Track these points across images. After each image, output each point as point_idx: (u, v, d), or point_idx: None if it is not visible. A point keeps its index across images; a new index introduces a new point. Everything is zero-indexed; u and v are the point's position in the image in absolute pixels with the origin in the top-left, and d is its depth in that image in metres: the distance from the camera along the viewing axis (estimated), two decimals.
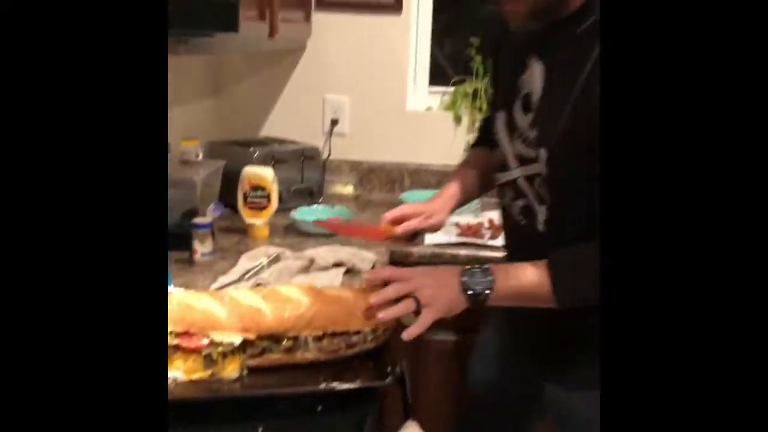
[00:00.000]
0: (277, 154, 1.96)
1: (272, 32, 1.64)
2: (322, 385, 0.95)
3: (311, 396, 0.95)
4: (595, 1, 1.00)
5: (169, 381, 0.96)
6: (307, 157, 2.04)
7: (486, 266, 1.01)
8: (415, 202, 1.33)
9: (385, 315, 0.98)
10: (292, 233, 1.79)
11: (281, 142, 2.08)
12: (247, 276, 1.40)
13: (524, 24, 1.04)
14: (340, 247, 1.55)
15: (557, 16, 1.02)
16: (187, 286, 1.41)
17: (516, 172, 1.11)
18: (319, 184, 2.08)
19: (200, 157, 1.68)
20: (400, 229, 1.24)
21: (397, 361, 1.00)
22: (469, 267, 1.01)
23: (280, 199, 1.84)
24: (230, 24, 1.09)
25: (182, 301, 1.00)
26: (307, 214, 1.83)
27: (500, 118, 1.14)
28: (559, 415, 1.22)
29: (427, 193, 1.57)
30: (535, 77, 1.06)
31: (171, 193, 1.57)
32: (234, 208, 1.74)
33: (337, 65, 2.22)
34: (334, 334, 1.00)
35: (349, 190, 2.23)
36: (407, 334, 0.98)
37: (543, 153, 1.04)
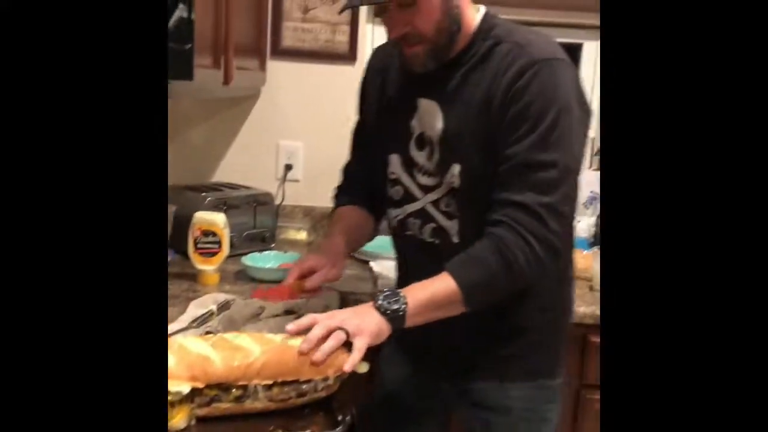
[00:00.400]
0: (229, 200, 1.96)
1: (227, 80, 1.66)
2: None
3: None
4: (474, 45, 1.16)
5: None
6: (260, 202, 2.04)
7: (393, 289, 1.09)
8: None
9: (320, 354, 0.98)
10: (243, 279, 1.77)
11: (234, 187, 2.08)
12: (195, 323, 1.38)
13: (425, 65, 1.15)
14: None
15: (446, 58, 1.16)
16: None
17: (423, 201, 1.23)
18: (271, 229, 2.08)
19: None
20: (309, 284, 1.30)
21: (348, 409, 1.00)
22: (379, 292, 1.08)
23: (232, 245, 1.82)
24: (184, 72, 1.10)
25: None
26: (258, 260, 1.82)
27: (395, 160, 1.26)
28: (491, 409, 1.28)
29: (381, 240, 1.58)
30: (430, 116, 1.18)
31: None
32: (185, 253, 1.72)
33: (292, 112, 2.25)
34: (284, 383, 0.99)
35: (302, 235, 2.23)
36: (349, 365, 1.00)
37: (456, 168, 1.16)
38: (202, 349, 0.99)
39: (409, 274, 1.32)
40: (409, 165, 1.24)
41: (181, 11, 0.97)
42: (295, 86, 2.23)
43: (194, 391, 0.97)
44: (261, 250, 1.93)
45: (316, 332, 0.99)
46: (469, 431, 1.37)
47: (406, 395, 1.41)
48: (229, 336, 1.04)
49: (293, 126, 2.26)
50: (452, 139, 1.16)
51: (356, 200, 1.39)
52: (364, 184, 1.37)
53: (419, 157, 1.22)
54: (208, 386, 0.98)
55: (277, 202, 2.17)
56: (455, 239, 1.21)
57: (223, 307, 1.46)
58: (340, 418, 0.98)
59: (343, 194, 1.44)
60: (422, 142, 1.21)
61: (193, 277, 1.72)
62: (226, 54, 1.67)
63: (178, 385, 0.96)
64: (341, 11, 1.19)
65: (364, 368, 1.05)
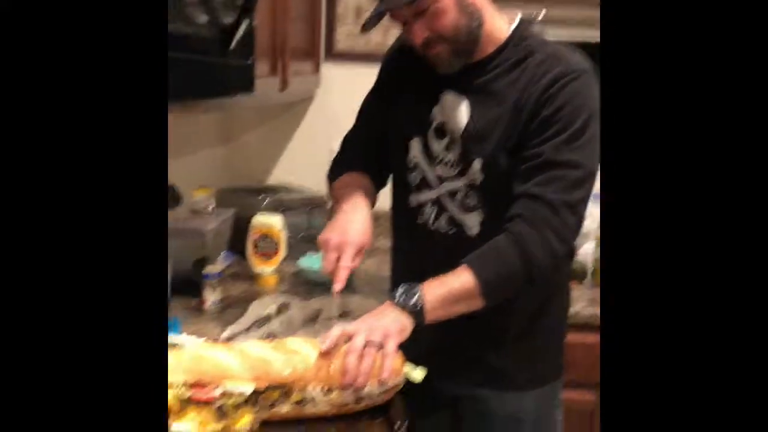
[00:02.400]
0: (285, 202, 2.00)
1: (283, 86, 1.69)
2: None
3: None
4: (506, 51, 1.20)
5: None
6: (315, 204, 2.08)
7: (410, 284, 1.10)
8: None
9: (362, 380, 1.00)
10: (300, 281, 1.81)
11: (289, 189, 2.12)
12: (256, 325, 1.42)
13: (451, 65, 1.19)
14: (347, 297, 1.57)
15: (473, 58, 1.20)
16: (197, 334, 1.43)
17: (439, 190, 1.24)
18: None
19: (212, 206, 1.71)
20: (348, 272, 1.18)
21: (405, 416, 1.01)
22: (397, 288, 1.10)
23: (288, 246, 1.87)
24: (246, 86, 1.13)
25: (194, 352, 1.03)
26: (314, 261, 1.85)
27: (415, 145, 1.26)
28: (502, 421, 1.30)
29: None
30: (454, 109, 1.21)
31: (182, 242, 1.60)
32: (244, 253, 1.76)
33: (345, 114, 2.25)
34: (343, 387, 1.01)
35: None
36: (386, 373, 1.01)
37: (478, 163, 1.19)
38: (263, 351, 1.03)
39: (417, 263, 1.29)
40: (428, 153, 1.25)
41: (246, 25, 0.99)
42: (348, 88, 2.24)
43: (256, 395, 1.00)
44: (316, 251, 1.96)
45: (351, 362, 1.00)
46: None
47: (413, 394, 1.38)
48: (288, 340, 1.07)
49: (346, 128, 2.28)
50: (476, 136, 1.19)
51: (362, 169, 1.35)
52: (367, 155, 1.36)
53: (437, 146, 1.24)
54: (270, 390, 1.01)
55: (330, 204, 2.20)
56: (473, 231, 1.22)
57: (282, 309, 1.50)
58: (397, 425, 1.00)
59: (347, 162, 1.38)
60: (442, 132, 1.23)
61: (251, 278, 1.77)
62: (283, 60, 1.71)
63: (241, 385, 1.00)
64: (362, 31, 1.20)
65: (419, 375, 1.07)
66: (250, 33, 1.09)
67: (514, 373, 1.29)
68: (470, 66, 1.20)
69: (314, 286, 1.75)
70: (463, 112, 1.21)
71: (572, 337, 1.40)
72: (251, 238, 1.72)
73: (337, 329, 1.04)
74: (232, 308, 1.57)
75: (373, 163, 1.35)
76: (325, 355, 1.02)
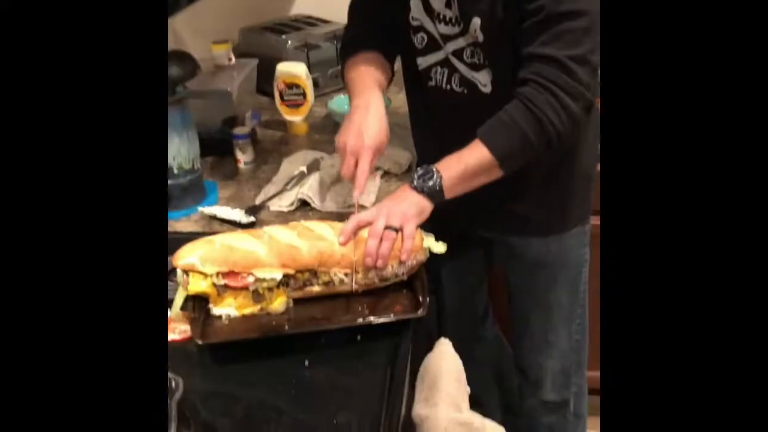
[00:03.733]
0: (310, 39, 1.93)
1: None
2: (360, 320, 1.03)
3: (351, 328, 1.03)
4: None
5: (223, 317, 1.07)
6: (341, 37, 2.00)
7: (427, 166, 1.10)
8: None
9: (381, 262, 1.04)
10: (331, 125, 1.80)
11: (314, 23, 2.03)
12: (289, 186, 1.46)
13: None
14: None
15: None
16: (233, 198, 1.48)
17: (446, 50, 1.19)
18: None
19: (233, 60, 1.68)
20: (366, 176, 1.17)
21: (428, 289, 1.06)
22: (414, 172, 1.11)
23: (318, 85, 1.84)
24: None
25: (224, 243, 1.07)
26: (343, 103, 1.83)
27: (416, 5, 1.19)
28: (531, 263, 1.36)
29: None
30: None
31: (209, 102, 1.61)
32: (273, 95, 1.74)
33: None
34: (367, 269, 1.06)
35: None
36: (405, 255, 1.05)
37: (476, 21, 1.12)
38: (290, 239, 1.07)
39: (434, 125, 1.30)
40: (429, 11, 1.18)
41: None
42: None
43: (288, 277, 1.06)
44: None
45: (371, 245, 1.04)
46: (511, 283, 1.44)
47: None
48: (313, 225, 1.10)
49: None
50: None
51: (373, 46, 1.29)
52: (375, 25, 1.29)
53: (436, 3, 1.16)
54: (300, 271, 1.07)
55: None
56: (485, 89, 1.18)
57: (313, 166, 1.52)
58: (421, 299, 1.05)
59: (357, 40, 1.32)
60: None
61: (283, 125, 1.77)
62: None
63: (270, 272, 1.06)
64: None
65: (441, 248, 1.10)
66: None
67: (538, 220, 1.31)
68: None
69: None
70: None
71: None
72: (278, 88, 1.69)
73: (352, 221, 1.06)
74: (266, 165, 1.59)
75: (383, 33, 1.28)
76: (348, 241, 1.05)
